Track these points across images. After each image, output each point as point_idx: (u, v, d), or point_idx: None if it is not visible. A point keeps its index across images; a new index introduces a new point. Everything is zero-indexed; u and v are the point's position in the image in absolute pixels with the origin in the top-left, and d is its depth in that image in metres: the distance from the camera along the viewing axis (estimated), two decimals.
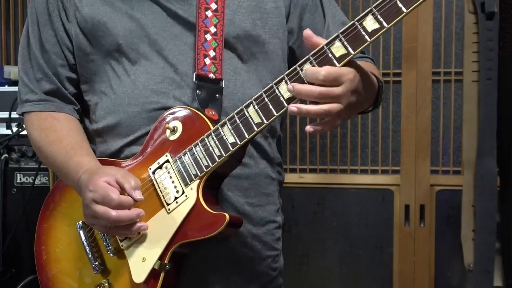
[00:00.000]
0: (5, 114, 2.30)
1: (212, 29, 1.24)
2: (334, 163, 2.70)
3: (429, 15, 2.57)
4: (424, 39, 2.57)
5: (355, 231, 2.67)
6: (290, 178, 2.68)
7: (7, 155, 2.30)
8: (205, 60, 1.22)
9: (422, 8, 2.56)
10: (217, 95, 1.22)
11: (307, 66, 1.06)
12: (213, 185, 1.20)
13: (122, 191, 1.14)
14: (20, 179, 2.31)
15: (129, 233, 1.18)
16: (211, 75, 1.22)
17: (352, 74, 1.07)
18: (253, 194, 1.29)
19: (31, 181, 2.27)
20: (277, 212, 1.36)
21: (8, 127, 2.29)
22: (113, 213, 1.12)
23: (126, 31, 1.24)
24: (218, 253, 1.27)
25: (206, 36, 1.23)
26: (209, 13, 1.24)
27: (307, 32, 1.07)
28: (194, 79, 1.22)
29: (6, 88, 2.39)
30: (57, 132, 1.30)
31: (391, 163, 2.65)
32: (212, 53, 1.23)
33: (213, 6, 1.24)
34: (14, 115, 2.27)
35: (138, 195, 1.14)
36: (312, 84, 1.05)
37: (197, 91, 1.21)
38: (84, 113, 1.37)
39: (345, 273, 2.69)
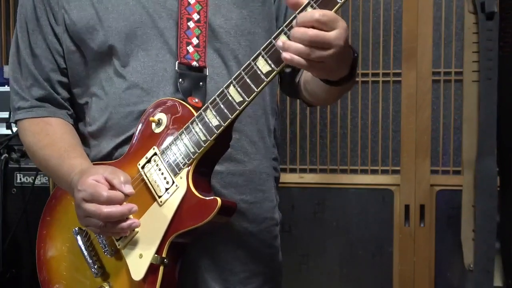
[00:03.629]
0: (5, 114, 2.30)
1: (195, 16, 1.22)
2: (334, 163, 2.70)
3: (429, 15, 2.57)
4: (424, 39, 2.57)
5: (355, 231, 2.67)
6: (290, 178, 2.68)
7: (7, 155, 2.30)
8: (188, 48, 1.21)
9: (422, 8, 2.56)
10: (200, 83, 1.21)
11: (282, 38, 1.05)
12: (204, 171, 1.18)
13: (112, 187, 1.13)
14: (20, 179, 2.31)
15: (121, 232, 1.16)
16: (194, 63, 1.21)
17: (345, 23, 1.04)
18: (248, 191, 1.28)
19: (31, 181, 2.28)
20: (275, 209, 1.35)
21: (8, 127, 2.30)
22: (104, 209, 1.10)
23: (114, 32, 1.23)
24: (216, 252, 1.26)
25: (188, 23, 1.21)
26: (191, 0, 1.22)
27: None
28: (176, 68, 1.20)
29: (6, 88, 2.39)
30: (50, 136, 1.29)
31: (391, 163, 2.65)
32: (195, 41, 1.21)
33: None
34: None
35: (128, 188, 1.12)
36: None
37: (180, 79, 1.20)
38: (78, 116, 1.36)
39: (345, 273, 2.69)
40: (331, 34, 1.01)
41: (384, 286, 2.65)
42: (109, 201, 1.11)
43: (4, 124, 2.33)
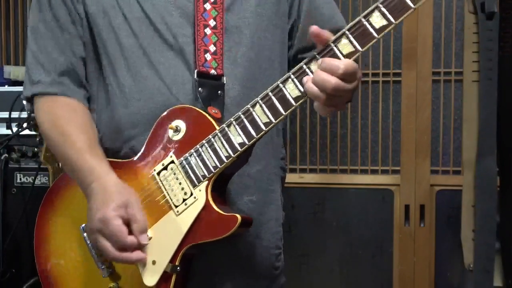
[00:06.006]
0: (5, 114, 2.30)
1: (212, 23, 1.21)
2: (334, 163, 2.70)
3: (429, 15, 2.57)
4: (424, 39, 2.57)
5: (355, 231, 2.67)
6: (290, 178, 2.67)
7: (7, 155, 2.30)
8: (206, 56, 1.20)
9: (422, 8, 2.56)
10: (219, 92, 1.21)
11: (313, 66, 1.06)
12: (220, 185, 1.19)
13: (128, 221, 1.14)
14: (20, 179, 2.31)
15: (127, 263, 1.18)
16: (212, 71, 1.20)
17: (360, 71, 1.08)
18: (256, 192, 1.28)
19: (31, 181, 2.28)
20: (279, 209, 1.35)
21: (8, 127, 2.30)
22: (114, 253, 1.13)
23: (131, 27, 1.23)
24: (224, 253, 1.26)
25: (205, 30, 1.21)
26: (207, 6, 1.22)
27: (314, 29, 1.05)
28: (195, 76, 1.20)
29: (6, 88, 2.40)
30: (70, 125, 1.25)
31: (391, 163, 2.65)
32: (212, 48, 1.21)
33: None
34: (14, 115, 2.27)
35: (143, 239, 1.14)
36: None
37: (199, 88, 1.19)
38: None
39: (345, 273, 2.69)
40: (349, 86, 1.05)
41: (384, 286, 2.65)
42: (122, 249, 1.13)
43: (4, 124, 2.33)
